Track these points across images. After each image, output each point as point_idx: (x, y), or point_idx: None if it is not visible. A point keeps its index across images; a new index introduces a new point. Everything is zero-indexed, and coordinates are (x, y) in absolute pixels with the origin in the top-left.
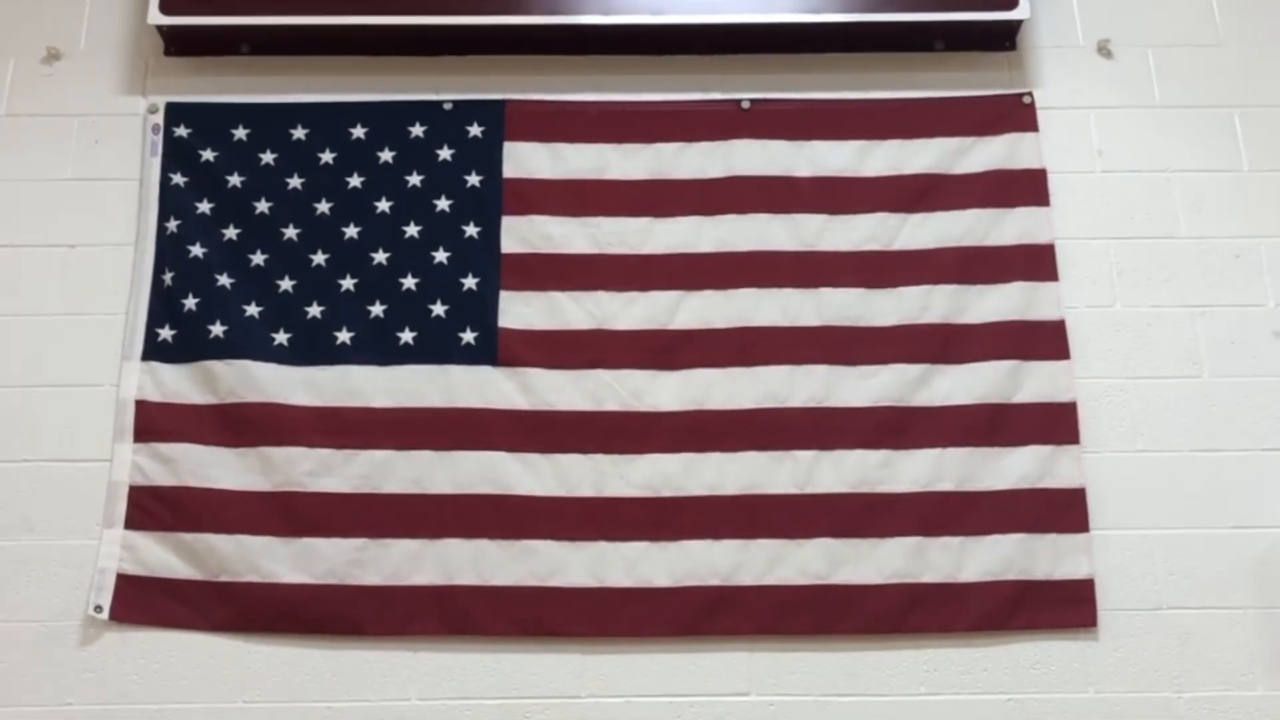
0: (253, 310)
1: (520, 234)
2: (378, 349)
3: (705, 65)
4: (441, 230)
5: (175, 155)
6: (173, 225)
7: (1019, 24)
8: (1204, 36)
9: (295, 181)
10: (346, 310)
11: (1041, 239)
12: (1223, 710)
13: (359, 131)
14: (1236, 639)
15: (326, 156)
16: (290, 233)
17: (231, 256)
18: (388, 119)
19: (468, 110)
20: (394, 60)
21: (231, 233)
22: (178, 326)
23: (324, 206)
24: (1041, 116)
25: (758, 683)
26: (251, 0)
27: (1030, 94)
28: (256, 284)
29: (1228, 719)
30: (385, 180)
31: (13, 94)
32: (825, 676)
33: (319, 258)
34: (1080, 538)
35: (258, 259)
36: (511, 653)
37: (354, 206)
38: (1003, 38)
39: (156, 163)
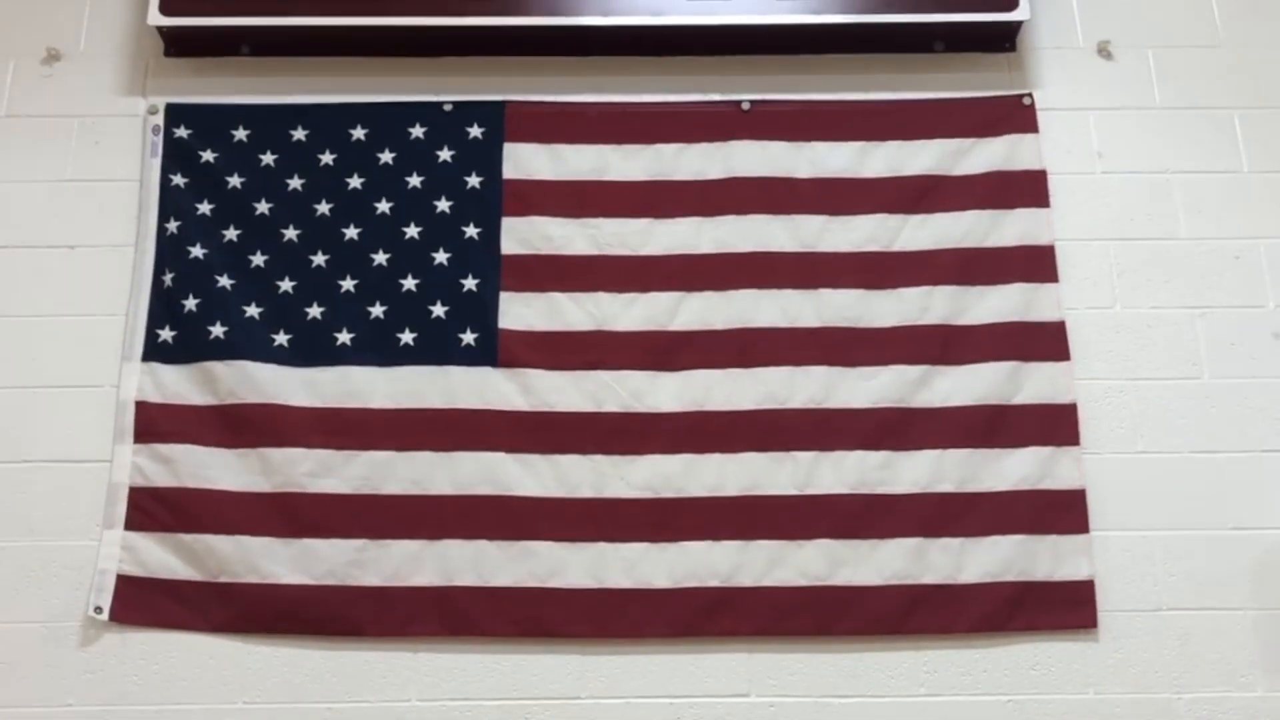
0: (253, 311)
1: (520, 235)
2: (378, 350)
3: (705, 66)
4: (441, 231)
5: (175, 156)
6: (173, 226)
7: (1019, 25)
8: (1204, 38)
9: (295, 182)
10: (346, 311)
11: (1041, 240)
12: (1222, 711)
13: (359, 133)
14: (1236, 640)
15: (327, 158)
16: (290, 234)
17: (232, 257)
18: (388, 120)
19: (468, 111)
20: (394, 61)
21: (232, 234)
22: (178, 327)
23: (324, 207)
24: (1041, 118)
25: (758, 684)
26: (252, 1)
27: (1030, 95)
28: (257, 285)
29: None
30: (385, 181)
31: (13, 95)
32: (825, 678)
33: (319, 259)
34: (1080, 539)
35: (258, 260)
36: (511, 653)
37: (354, 207)
38: (1003, 39)
39: (157, 164)
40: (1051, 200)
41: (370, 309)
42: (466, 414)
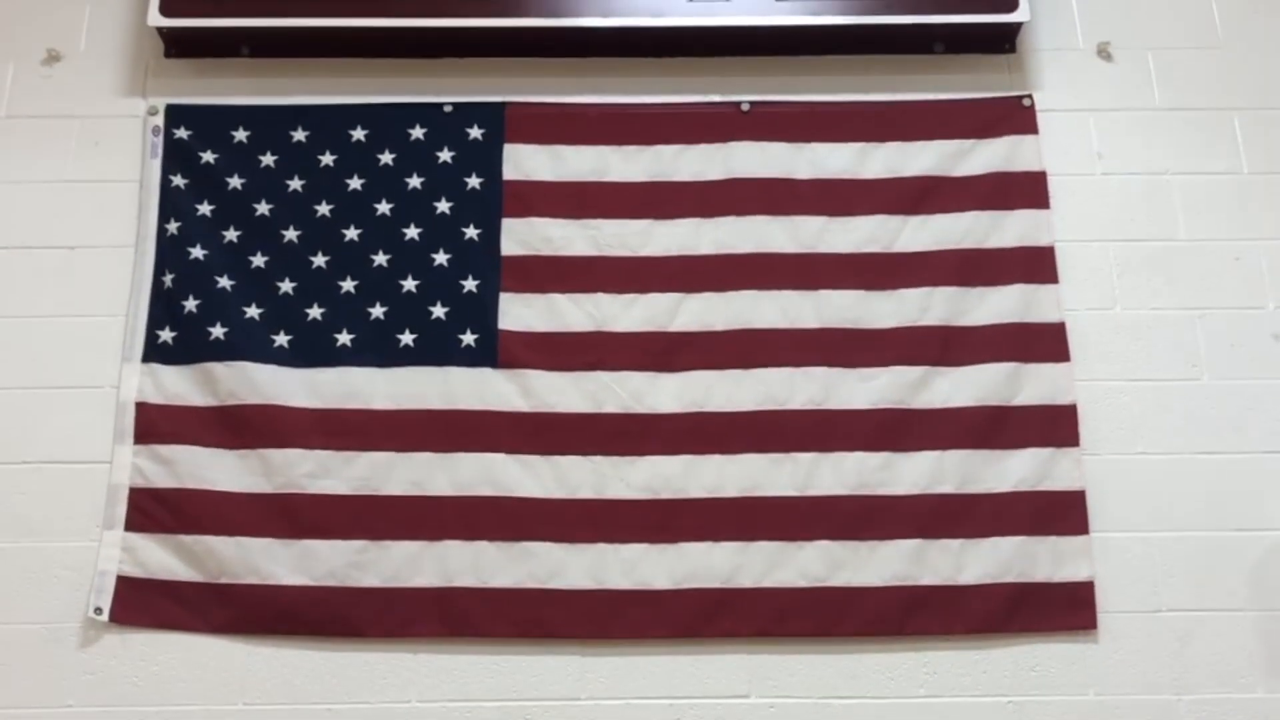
0: (253, 312)
1: (520, 236)
2: (378, 351)
3: (705, 67)
4: (441, 232)
5: (175, 157)
6: (173, 227)
7: (1019, 26)
8: (1204, 39)
9: (295, 183)
10: (347, 312)
11: (1041, 241)
12: (1223, 712)
13: (359, 133)
14: (1236, 641)
15: (327, 158)
16: (290, 235)
17: (232, 258)
18: (388, 121)
19: (468, 112)
20: (394, 62)
21: (232, 234)
22: (178, 328)
23: (324, 208)
24: (1041, 119)
25: (757, 685)
26: (252, 2)
27: (1030, 96)
28: (257, 286)
29: None
30: (385, 182)
31: (13, 96)
32: (825, 679)
33: (319, 260)
34: (1080, 540)
35: (258, 261)
36: (511, 655)
37: (354, 208)
38: (1003, 40)
39: (157, 164)
40: (1051, 201)
41: (370, 310)
42: (466, 415)
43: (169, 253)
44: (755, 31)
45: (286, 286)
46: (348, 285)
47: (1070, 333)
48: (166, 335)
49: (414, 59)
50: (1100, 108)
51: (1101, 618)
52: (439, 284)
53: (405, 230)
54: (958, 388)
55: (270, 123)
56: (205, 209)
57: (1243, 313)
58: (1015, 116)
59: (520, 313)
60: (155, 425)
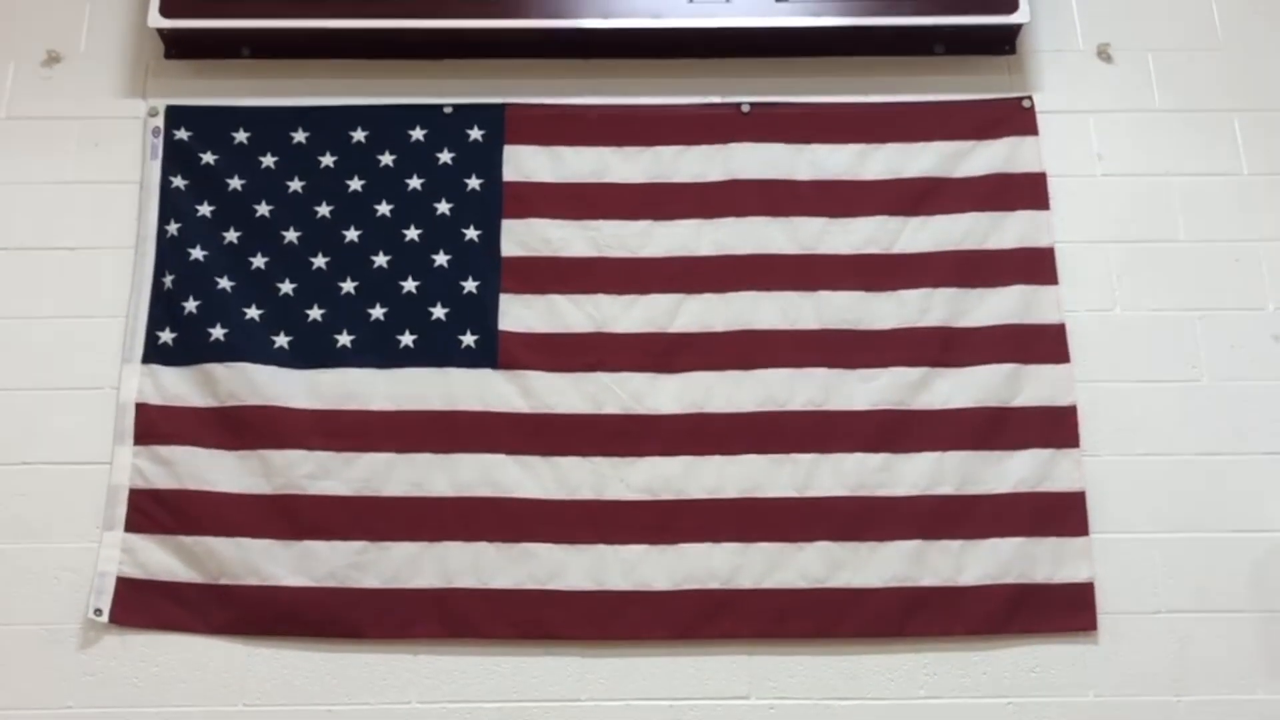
0: (253, 313)
1: (520, 237)
2: (378, 352)
3: (705, 69)
4: (442, 233)
5: (175, 158)
6: (173, 228)
7: (1019, 28)
8: (1204, 40)
9: (296, 184)
10: (347, 313)
11: (1041, 242)
12: (1222, 714)
13: (359, 135)
14: (1236, 643)
15: (327, 160)
16: (290, 236)
17: (232, 259)
18: (388, 122)
19: (468, 114)
20: (394, 64)
21: (232, 235)
22: (178, 329)
23: (324, 209)
24: (1041, 120)
25: (757, 686)
26: (252, 3)
27: (1030, 98)
28: (257, 287)
29: None
30: (385, 183)
31: (13, 97)
32: (825, 680)
33: (319, 261)
34: (1080, 541)
35: (258, 262)
36: (511, 656)
37: (354, 209)
38: (1003, 42)
39: (157, 166)
40: (1051, 203)
41: (370, 311)
42: (466, 416)
43: (169, 254)
44: (755, 33)
45: (287, 288)
46: (348, 286)
47: (1070, 334)
48: (167, 336)
49: (414, 60)
50: (1100, 109)
51: (1101, 619)
52: (439, 285)
53: (405, 231)
54: (958, 389)
55: (270, 124)
56: (205, 210)
57: (1243, 314)
58: (1015, 118)
59: (520, 314)
60: (155, 426)
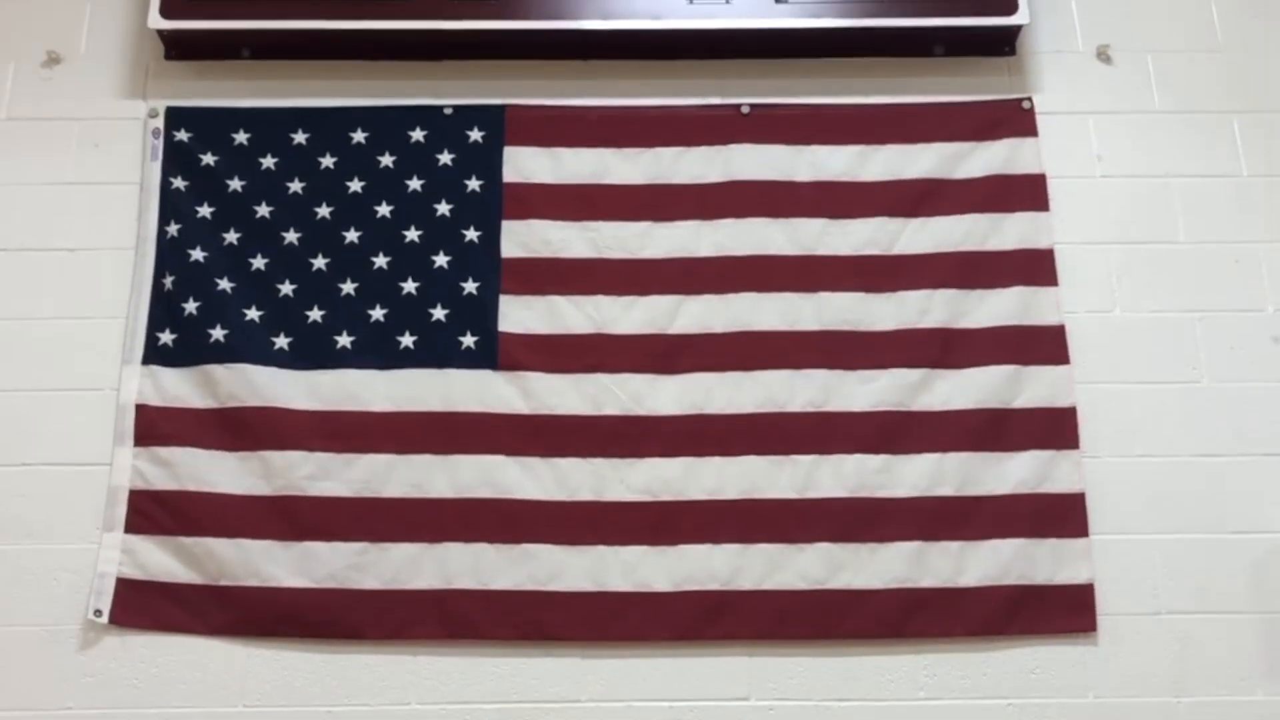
0: (253, 314)
1: (520, 238)
2: (378, 353)
3: (705, 70)
4: (441, 234)
5: (176, 159)
6: (173, 229)
7: (1019, 29)
8: (1203, 42)
9: (296, 186)
10: (347, 314)
11: (1041, 244)
12: (1222, 715)
13: (359, 136)
14: (1236, 644)
15: (327, 161)
16: (291, 237)
17: (232, 260)
18: (388, 124)
19: (468, 115)
20: (394, 65)
21: (232, 237)
22: (178, 330)
23: (324, 211)
24: (1041, 121)
25: (757, 687)
26: (252, 5)
27: (1030, 99)
28: (257, 288)
29: None
30: (385, 185)
31: (13, 98)
32: (825, 681)
33: (319, 262)
34: (1080, 543)
35: (258, 263)
36: (511, 657)
37: (354, 211)
38: (1002, 43)
39: (157, 167)
40: (1051, 204)
41: (370, 312)
42: (466, 417)
43: (169, 255)
44: (755, 34)
45: (287, 289)
46: (348, 287)
47: (1070, 335)
48: (167, 337)
49: (414, 61)
50: (1100, 110)
51: (1101, 620)
52: (439, 286)
53: (405, 232)
54: (957, 390)
55: (271, 125)
56: (205, 211)
57: (1242, 315)
58: (1015, 119)
59: (520, 315)
60: (155, 427)
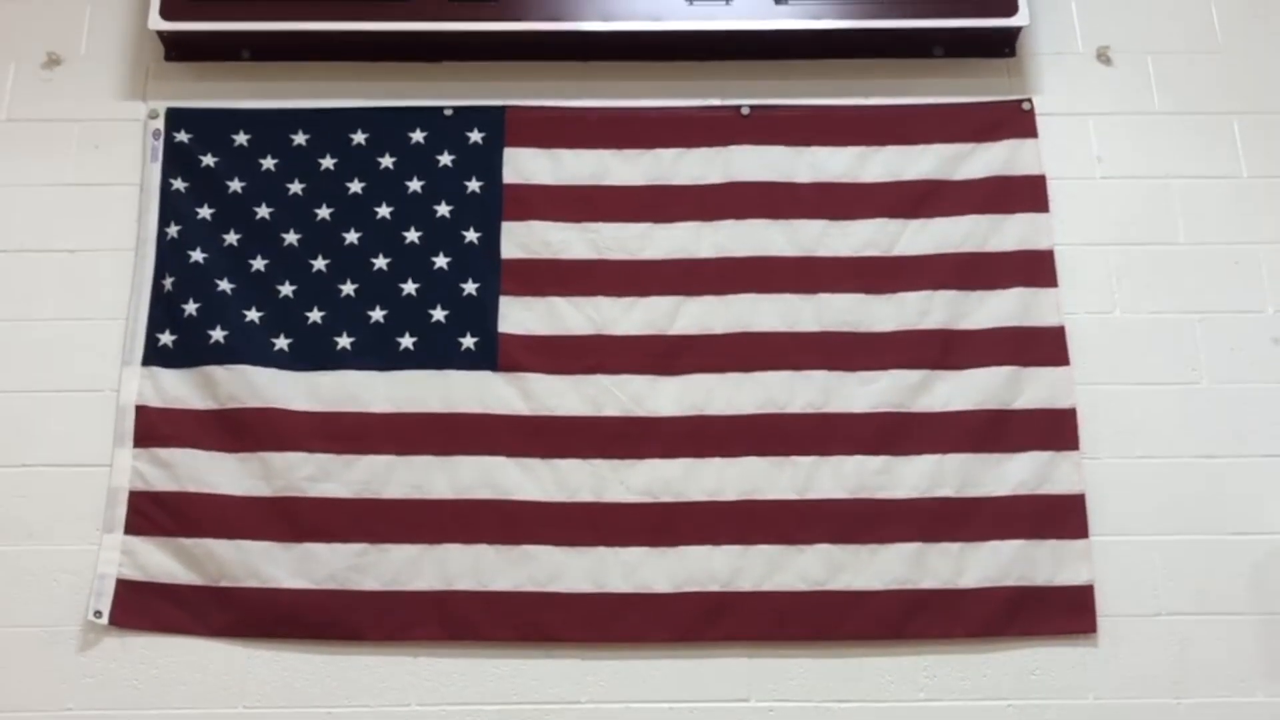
0: (253, 315)
1: (520, 239)
2: (378, 354)
3: (705, 71)
4: (442, 235)
5: (176, 160)
6: (173, 230)
7: (1019, 30)
8: (1203, 43)
9: (296, 187)
10: (347, 315)
11: (1041, 245)
12: (1222, 716)
13: (359, 137)
14: (1236, 645)
15: (327, 162)
16: (291, 238)
17: (232, 261)
18: (388, 125)
19: (468, 116)
20: (394, 66)
21: (232, 238)
22: (178, 331)
23: (324, 212)
24: (1041, 123)
25: (757, 688)
26: (252, 6)
27: (1030, 100)
28: (257, 289)
29: None
30: (386, 186)
31: (13, 99)
32: (825, 682)
33: (319, 263)
34: (1080, 544)
35: (258, 264)
36: (511, 658)
37: (354, 212)
38: (1002, 44)
39: (157, 168)
40: (1051, 205)
41: (370, 313)
42: (466, 418)
43: (169, 256)
44: (755, 35)
45: (286, 290)
46: (348, 288)
47: (1070, 336)
48: (166, 338)
49: (414, 63)
50: (1100, 111)
51: (1101, 621)
52: (439, 287)
53: (405, 233)
54: (957, 391)
55: (271, 126)
56: (205, 212)
57: (1242, 316)
58: (1015, 120)
59: (520, 316)
60: (155, 428)
